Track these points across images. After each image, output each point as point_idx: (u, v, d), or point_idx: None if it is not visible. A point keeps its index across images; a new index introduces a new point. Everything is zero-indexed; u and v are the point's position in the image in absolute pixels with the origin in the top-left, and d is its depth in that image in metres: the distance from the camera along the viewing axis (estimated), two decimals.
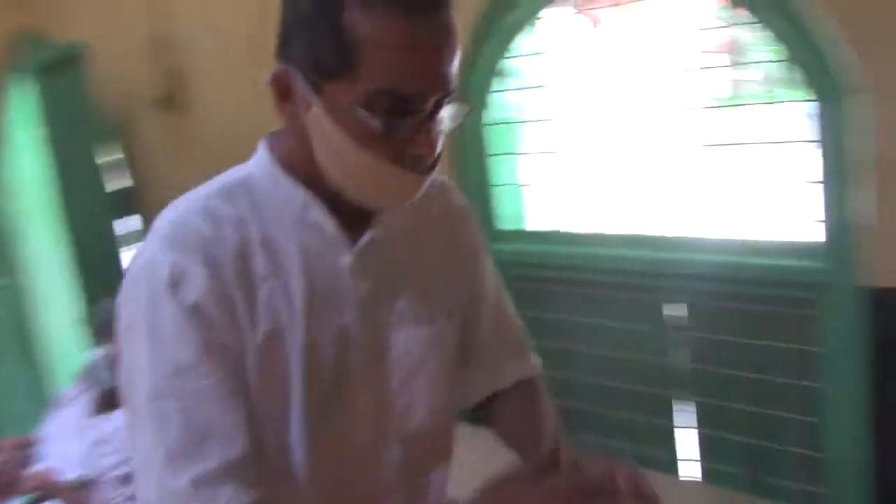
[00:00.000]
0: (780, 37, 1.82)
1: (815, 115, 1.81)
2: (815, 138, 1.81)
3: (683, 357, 2.13)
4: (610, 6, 2.19)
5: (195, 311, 0.83)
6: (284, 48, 0.86)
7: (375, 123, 0.83)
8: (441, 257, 1.02)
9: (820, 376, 1.89)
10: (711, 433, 2.13)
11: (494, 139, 2.41)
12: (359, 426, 0.93)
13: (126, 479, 1.97)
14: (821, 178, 1.81)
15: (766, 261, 1.94)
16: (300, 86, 0.85)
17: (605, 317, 2.26)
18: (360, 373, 0.93)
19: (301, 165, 0.91)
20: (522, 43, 2.28)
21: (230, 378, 0.84)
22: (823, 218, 1.82)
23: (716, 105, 2.24)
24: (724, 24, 2.06)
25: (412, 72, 0.82)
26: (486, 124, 2.38)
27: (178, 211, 0.89)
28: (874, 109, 1.66)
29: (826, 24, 1.69)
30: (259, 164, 0.93)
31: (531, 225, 2.46)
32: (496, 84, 2.34)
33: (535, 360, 1.17)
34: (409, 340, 0.97)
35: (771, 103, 2.26)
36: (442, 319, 1.01)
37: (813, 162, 1.82)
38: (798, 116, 1.95)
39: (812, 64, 1.78)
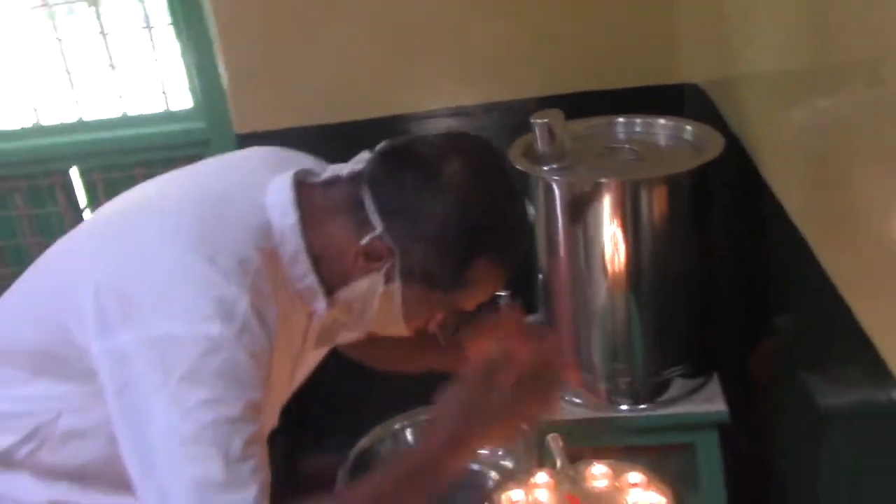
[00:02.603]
0: None
1: (168, 5, 2.19)
2: (172, 24, 2.21)
3: None
4: None
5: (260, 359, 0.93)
6: (396, 222, 0.96)
7: (438, 329, 1.08)
8: None
9: None
10: None
11: None
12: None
13: None
14: (181, 56, 2.23)
15: (152, 129, 2.33)
16: (393, 265, 0.98)
17: (16, 208, 2.42)
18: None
19: (323, 266, 1.01)
20: None
21: None
22: (189, 86, 2.26)
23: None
24: None
25: (479, 302, 1.06)
26: None
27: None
28: None
29: None
30: (284, 229, 0.99)
31: None
32: None
33: None
34: (315, 354, 1.17)
35: None
36: None
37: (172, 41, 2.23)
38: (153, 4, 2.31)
39: None
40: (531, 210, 1.56)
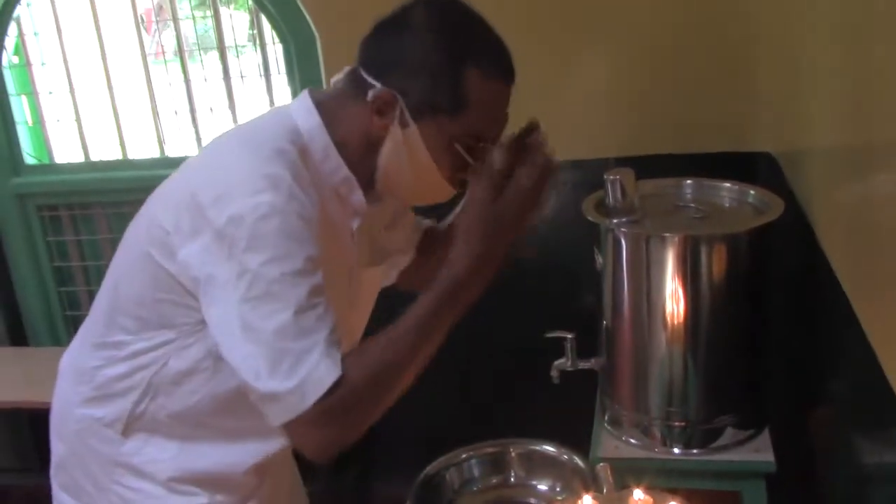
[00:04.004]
0: None
1: (284, 54, 2.44)
2: (287, 72, 2.45)
3: None
4: None
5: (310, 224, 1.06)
6: (389, 74, 1.10)
7: (463, 154, 1.12)
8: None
9: None
10: None
11: (11, 80, 2.62)
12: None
13: None
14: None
15: None
16: (400, 109, 1.10)
17: None
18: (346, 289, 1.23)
19: (351, 152, 1.15)
20: None
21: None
22: None
23: (203, 48, 2.73)
24: None
25: (494, 125, 1.16)
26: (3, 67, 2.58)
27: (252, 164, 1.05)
28: (323, 50, 2.33)
29: None
30: (311, 128, 1.14)
31: (56, 158, 2.73)
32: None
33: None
34: (370, 276, 1.32)
35: (248, 45, 2.82)
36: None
37: (285, 90, 2.47)
38: (273, 55, 2.56)
39: (281, 16, 2.39)
40: (599, 259, 1.68)
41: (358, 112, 1.13)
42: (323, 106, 1.16)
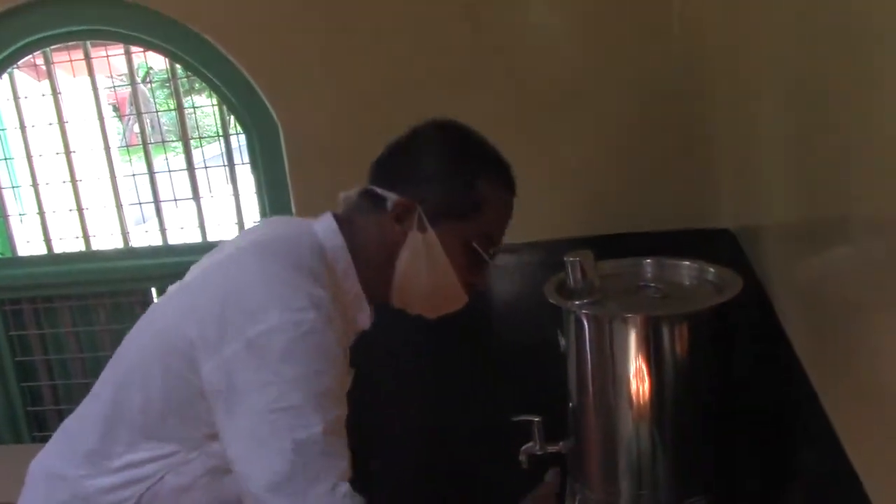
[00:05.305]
0: (218, 87, 2.43)
1: (247, 144, 2.46)
2: (250, 161, 2.47)
3: None
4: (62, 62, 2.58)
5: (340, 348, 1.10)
6: (405, 186, 1.20)
7: (482, 254, 1.23)
8: None
9: None
10: None
11: None
12: None
13: None
14: (255, 190, 2.48)
15: None
16: (418, 216, 1.19)
17: (99, 324, 2.64)
18: None
19: (367, 266, 1.22)
20: None
21: None
22: (260, 217, 2.49)
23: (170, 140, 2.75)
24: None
25: (503, 227, 1.28)
26: None
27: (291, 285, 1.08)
28: (285, 139, 2.35)
29: (255, 75, 2.33)
30: (335, 249, 1.20)
31: (20, 251, 2.71)
32: None
33: None
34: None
35: (213, 136, 2.85)
36: None
37: (249, 178, 2.48)
38: (237, 145, 2.59)
39: (244, 107, 2.42)
40: (562, 340, 1.68)
41: (376, 223, 1.22)
42: (342, 223, 1.23)
